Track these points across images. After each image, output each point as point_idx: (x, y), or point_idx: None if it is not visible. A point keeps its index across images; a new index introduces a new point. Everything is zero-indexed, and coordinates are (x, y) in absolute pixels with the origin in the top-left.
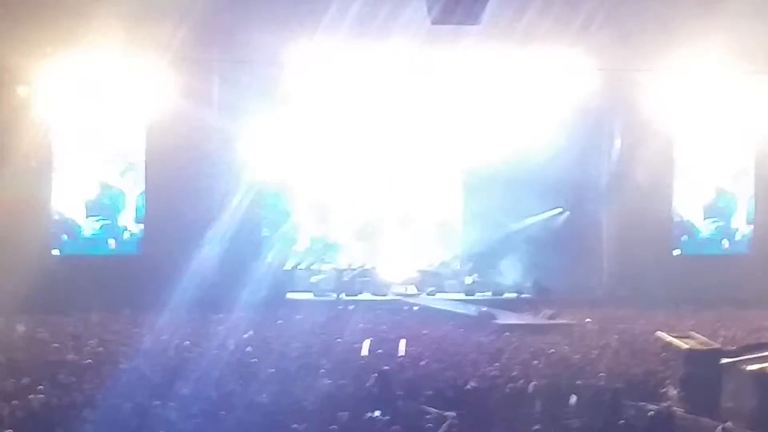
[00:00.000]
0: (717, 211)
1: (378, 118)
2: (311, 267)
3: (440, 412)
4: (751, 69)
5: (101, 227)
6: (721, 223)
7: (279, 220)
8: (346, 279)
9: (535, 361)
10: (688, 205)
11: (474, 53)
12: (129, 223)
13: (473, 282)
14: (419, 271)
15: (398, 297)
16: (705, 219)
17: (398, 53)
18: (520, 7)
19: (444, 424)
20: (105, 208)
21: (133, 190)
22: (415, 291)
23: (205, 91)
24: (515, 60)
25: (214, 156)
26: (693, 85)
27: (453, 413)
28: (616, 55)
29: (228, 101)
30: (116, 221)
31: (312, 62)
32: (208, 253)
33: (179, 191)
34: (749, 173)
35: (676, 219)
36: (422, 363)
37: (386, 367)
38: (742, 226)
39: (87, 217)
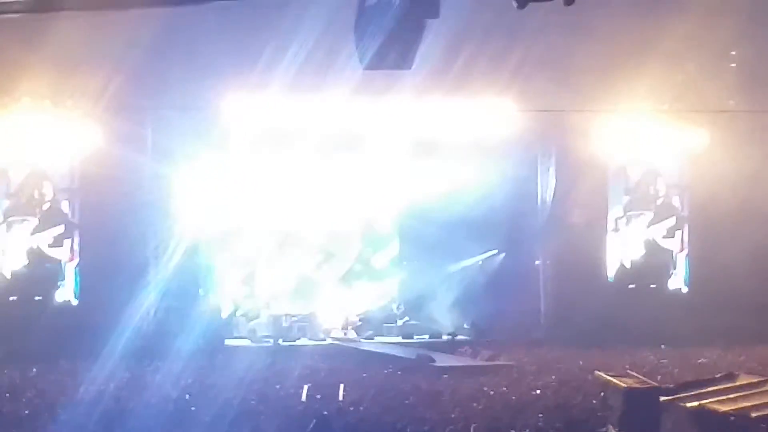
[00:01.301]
0: (650, 269)
1: (311, 164)
2: (249, 314)
3: None
4: (687, 110)
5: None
6: (653, 286)
7: (215, 268)
8: (284, 325)
9: (474, 403)
10: (622, 258)
11: (407, 98)
12: (67, 295)
13: (408, 325)
14: (357, 316)
15: (336, 342)
16: (639, 279)
17: (332, 99)
18: (452, 50)
19: None
20: (37, 283)
21: (68, 256)
22: (353, 335)
23: (140, 139)
24: (448, 103)
25: (150, 205)
26: (629, 126)
27: None
28: (552, 97)
29: (163, 150)
30: (52, 297)
31: (246, 110)
32: (144, 302)
33: (115, 241)
34: (684, 220)
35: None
36: (361, 408)
37: (325, 412)
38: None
39: (17, 295)
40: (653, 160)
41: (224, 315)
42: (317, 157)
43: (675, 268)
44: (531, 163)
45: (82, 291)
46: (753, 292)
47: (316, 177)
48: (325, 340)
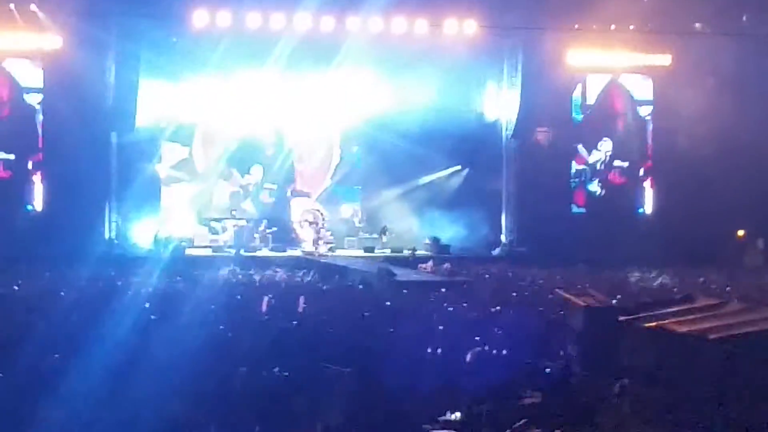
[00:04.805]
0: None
1: (275, 77)
2: (211, 224)
3: (338, 368)
4: (653, 31)
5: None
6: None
7: (179, 179)
8: (246, 235)
9: (433, 318)
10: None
11: (375, 11)
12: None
13: (370, 239)
14: (319, 228)
15: (298, 254)
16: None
17: (300, 13)
18: None
19: None
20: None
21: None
22: (324, 250)
23: (104, 46)
24: (415, 17)
25: (116, 110)
26: (596, 46)
27: (349, 369)
28: (520, 15)
29: (128, 57)
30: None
31: (214, 22)
32: (107, 209)
33: (79, 146)
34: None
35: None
36: (322, 319)
37: (285, 324)
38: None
39: None
40: (619, 81)
41: (185, 224)
42: (284, 69)
43: (640, 195)
44: (497, 80)
45: (46, 198)
46: (715, 217)
47: (283, 90)
48: (285, 251)
